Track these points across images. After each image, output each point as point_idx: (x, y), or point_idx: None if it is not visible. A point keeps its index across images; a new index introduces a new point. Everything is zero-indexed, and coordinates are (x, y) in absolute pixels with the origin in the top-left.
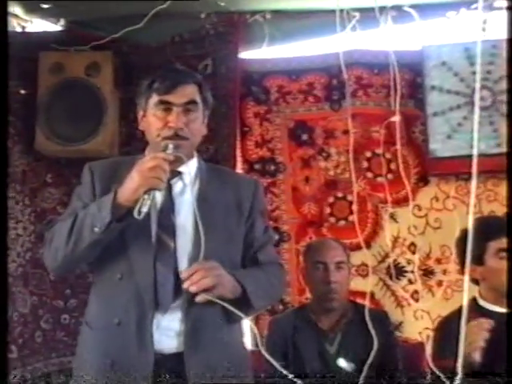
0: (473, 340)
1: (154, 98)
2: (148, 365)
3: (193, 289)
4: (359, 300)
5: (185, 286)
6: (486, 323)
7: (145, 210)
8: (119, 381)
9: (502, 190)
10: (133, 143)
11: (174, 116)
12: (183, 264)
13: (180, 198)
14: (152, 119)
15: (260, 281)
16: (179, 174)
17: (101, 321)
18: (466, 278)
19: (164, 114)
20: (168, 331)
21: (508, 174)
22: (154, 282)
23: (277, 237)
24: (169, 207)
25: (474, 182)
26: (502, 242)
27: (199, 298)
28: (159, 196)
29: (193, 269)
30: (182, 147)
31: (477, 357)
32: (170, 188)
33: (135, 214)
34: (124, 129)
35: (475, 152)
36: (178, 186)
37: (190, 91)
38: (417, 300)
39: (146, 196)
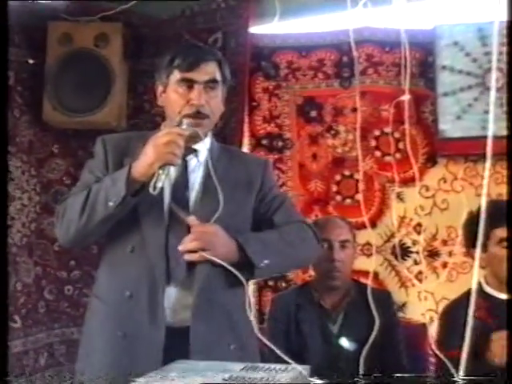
0: (498, 354)
1: (176, 75)
2: (159, 338)
3: (180, 248)
4: (363, 279)
5: (180, 247)
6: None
7: (160, 185)
8: (131, 353)
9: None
10: (141, 116)
11: (195, 93)
12: None
13: (194, 175)
14: (173, 96)
15: (267, 240)
16: (195, 151)
17: (112, 293)
18: (476, 263)
19: (186, 91)
20: (177, 304)
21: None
22: (165, 255)
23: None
24: (183, 183)
25: (488, 165)
26: (506, 231)
27: (186, 257)
28: (174, 172)
29: (192, 224)
30: (203, 125)
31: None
32: (185, 164)
33: (150, 189)
34: (132, 101)
35: (490, 133)
36: (192, 162)
37: (211, 69)
38: (421, 281)
39: (160, 171)
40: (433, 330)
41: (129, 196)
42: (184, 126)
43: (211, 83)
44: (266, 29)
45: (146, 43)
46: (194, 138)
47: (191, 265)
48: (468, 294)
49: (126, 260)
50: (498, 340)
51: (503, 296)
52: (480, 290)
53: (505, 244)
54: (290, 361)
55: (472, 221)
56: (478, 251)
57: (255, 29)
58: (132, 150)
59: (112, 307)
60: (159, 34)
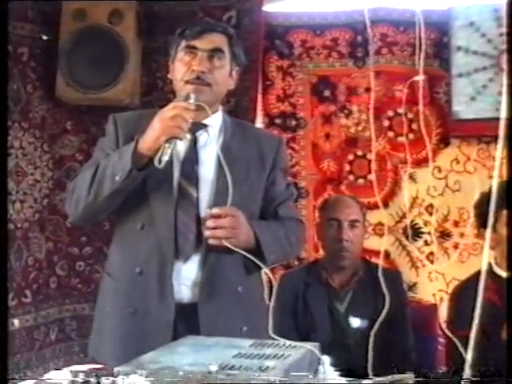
0: None
1: (182, 44)
2: (169, 314)
3: (208, 234)
4: (374, 259)
5: (206, 232)
6: None
7: (166, 158)
8: (141, 329)
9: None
10: (154, 93)
11: (197, 60)
12: (204, 214)
13: (204, 150)
14: (178, 65)
15: (277, 235)
16: (205, 126)
17: (122, 270)
18: (487, 244)
19: (189, 58)
20: (186, 281)
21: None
22: (174, 231)
23: (295, 192)
24: (193, 158)
25: (499, 146)
26: None
27: (212, 241)
28: (183, 147)
29: (219, 211)
30: (203, 92)
31: None
32: (195, 140)
33: (156, 162)
34: (145, 78)
35: (503, 115)
36: (203, 138)
37: (217, 39)
38: (432, 262)
39: (166, 145)
40: (443, 311)
41: (135, 170)
42: (191, 100)
43: (216, 52)
44: (281, 7)
45: (160, 20)
46: (203, 112)
47: (199, 241)
48: (478, 274)
49: (136, 237)
50: None
51: None
52: (490, 270)
53: None
54: (300, 344)
55: (483, 201)
56: (488, 232)
57: (269, 7)
58: (143, 127)
59: (123, 284)
60: (173, 11)
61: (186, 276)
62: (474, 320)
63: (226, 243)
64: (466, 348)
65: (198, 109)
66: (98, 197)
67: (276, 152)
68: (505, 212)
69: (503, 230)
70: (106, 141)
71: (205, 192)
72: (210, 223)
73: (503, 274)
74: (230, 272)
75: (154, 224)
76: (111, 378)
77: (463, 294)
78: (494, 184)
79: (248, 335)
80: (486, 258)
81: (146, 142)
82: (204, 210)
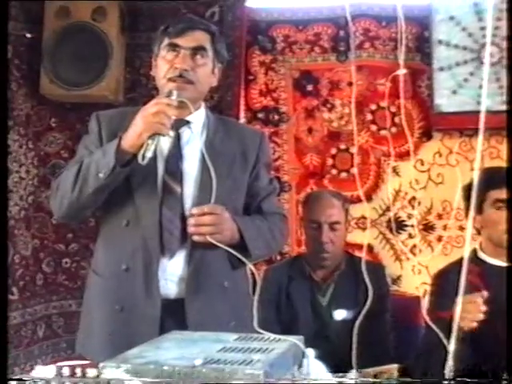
0: (467, 318)
1: (165, 42)
2: (155, 310)
3: (192, 230)
4: (357, 253)
5: (190, 228)
6: (479, 299)
7: (149, 154)
8: (128, 326)
9: (505, 147)
10: (138, 89)
11: (180, 58)
12: (189, 210)
13: (187, 147)
14: (160, 62)
15: (260, 229)
16: (188, 123)
17: (108, 267)
18: (470, 223)
19: (172, 56)
20: (172, 276)
21: (508, 129)
22: (159, 227)
23: (278, 187)
24: (176, 155)
25: (480, 139)
26: (501, 193)
27: (196, 238)
28: (167, 144)
29: (201, 210)
30: (186, 90)
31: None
32: (178, 136)
33: (139, 158)
34: (129, 75)
35: (483, 108)
36: (186, 134)
37: (199, 37)
38: (415, 254)
39: (149, 141)
40: (426, 303)
41: (118, 166)
42: (173, 97)
43: (198, 50)
44: (263, 2)
45: (143, 17)
46: (185, 109)
47: (185, 237)
48: (461, 260)
49: (121, 234)
50: (470, 302)
51: (496, 262)
52: (474, 255)
53: (499, 205)
54: (285, 337)
55: (471, 185)
56: (470, 220)
57: (252, 2)
58: (126, 125)
59: (109, 281)
60: (156, 8)
61: (172, 272)
62: (456, 301)
63: (210, 239)
64: (448, 332)
65: (180, 106)
66: (82, 194)
67: (259, 147)
68: (491, 193)
69: (489, 211)
70: (89, 138)
71: (189, 188)
72: (192, 221)
73: (487, 259)
74: (216, 267)
75: (139, 221)
76: (95, 372)
77: (445, 276)
78: (475, 174)
79: (236, 330)
80: (468, 237)
81: (129, 138)
82: (188, 208)
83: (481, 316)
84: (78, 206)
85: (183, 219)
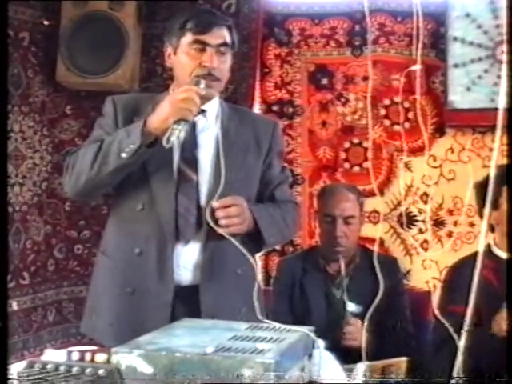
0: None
1: (189, 37)
2: (168, 295)
3: (223, 223)
4: (369, 246)
5: (221, 221)
6: None
7: (173, 139)
8: (139, 309)
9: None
10: (153, 79)
11: (208, 56)
12: (204, 197)
13: (202, 134)
14: (184, 58)
15: (274, 217)
16: (203, 111)
17: (121, 250)
18: (485, 218)
19: (198, 53)
20: (186, 263)
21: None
22: (175, 213)
23: (291, 178)
24: (192, 142)
25: (497, 136)
26: None
27: (225, 230)
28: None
29: (224, 202)
30: (213, 87)
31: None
32: (193, 124)
33: (164, 141)
34: (145, 64)
35: (501, 105)
36: (201, 122)
37: (223, 33)
38: (426, 249)
39: (175, 125)
40: (436, 297)
41: (143, 147)
42: (202, 86)
43: (223, 47)
44: None
45: (160, 7)
46: (206, 99)
47: (200, 224)
48: (476, 254)
49: (135, 218)
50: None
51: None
52: (488, 250)
53: None
54: (296, 327)
55: (484, 183)
56: (486, 216)
57: None
58: (141, 110)
59: (120, 263)
60: None
61: (187, 259)
62: (469, 295)
63: (234, 230)
64: (460, 327)
65: (207, 95)
66: (101, 172)
67: (272, 136)
68: (505, 188)
69: (504, 206)
70: (104, 121)
71: (204, 176)
72: (222, 213)
73: (502, 254)
74: (230, 255)
75: (155, 205)
76: (105, 357)
77: (459, 270)
78: (492, 172)
79: (247, 316)
80: (483, 233)
81: (155, 121)
82: (204, 195)
83: None
84: (94, 184)
85: (199, 207)
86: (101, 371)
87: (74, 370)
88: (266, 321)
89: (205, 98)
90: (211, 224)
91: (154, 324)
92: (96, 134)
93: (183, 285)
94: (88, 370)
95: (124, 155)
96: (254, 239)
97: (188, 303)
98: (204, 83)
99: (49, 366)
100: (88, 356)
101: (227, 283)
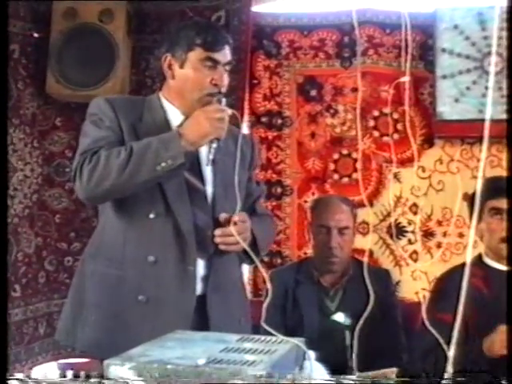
0: (496, 349)
1: (199, 53)
2: (189, 305)
3: (218, 241)
4: (361, 258)
5: (216, 239)
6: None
7: (211, 157)
8: (154, 318)
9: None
10: (143, 91)
11: (219, 74)
12: (216, 210)
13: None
14: (193, 73)
15: (263, 230)
16: None
17: (129, 258)
18: (472, 230)
19: (209, 70)
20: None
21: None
22: (194, 224)
23: (279, 190)
24: (195, 156)
25: (484, 147)
26: (498, 202)
27: (223, 247)
28: (211, 155)
29: (230, 218)
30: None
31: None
32: None
33: (205, 161)
34: (134, 76)
35: (488, 116)
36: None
37: (228, 51)
38: (415, 260)
39: (212, 144)
40: (425, 308)
41: (186, 163)
42: (223, 104)
43: (228, 65)
44: (269, 7)
45: (150, 20)
46: None
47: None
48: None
49: (147, 226)
50: (503, 331)
51: (501, 267)
52: (479, 259)
53: (496, 214)
54: (285, 338)
55: (473, 194)
56: (472, 228)
57: (258, 7)
58: (138, 113)
59: (129, 271)
60: (162, 11)
61: (197, 270)
62: (458, 303)
63: (238, 248)
64: (449, 337)
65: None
66: (132, 180)
67: (252, 150)
68: (488, 202)
69: (488, 220)
70: (103, 122)
71: (208, 187)
72: (219, 232)
73: (493, 263)
74: (232, 266)
75: (171, 215)
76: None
77: (449, 279)
78: (479, 183)
79: (244, 326)
80: (471, 241)
81: (193, 137)
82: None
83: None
84: (119, 190)
85: (213, 220)
86: None
87: None
88: (268, 328)
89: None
90: (221, 247)
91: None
92: (97, 136)
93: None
94: None
95: (159, 168)
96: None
97: (197, 313)
98: (225, 102)
99: None
100: (82, 374)
101: (229, 293)
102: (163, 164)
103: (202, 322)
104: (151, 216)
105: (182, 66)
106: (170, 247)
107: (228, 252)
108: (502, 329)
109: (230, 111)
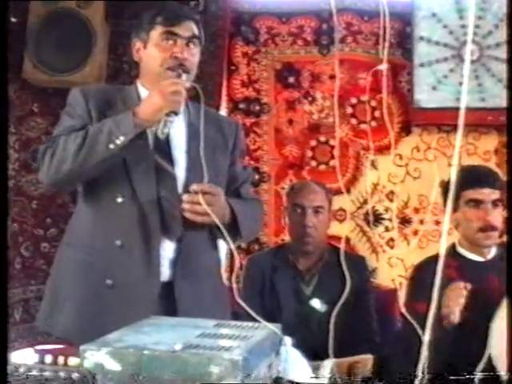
0: (449, 306)
1: (159, 30)
2: (154, 290)
3: (186, 207)
4: (337, 245)
5: (184, 205)
6: (463, 289)
7: (166, 131)
8: (121, 303)
9: (482, 143)
10: (120, 77)
11: (179, 47)
12: (182, 191)
13: (173, 129)
14: (154, 50)
15: (247, 212)
16: None
17: (98, 243)
18: (446, 219)
19: (169, 45)
20: (164, 259)
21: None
22: (158, 207)
23: (257, 177)
24: (165, 138)
25: (459, 135)
26: (474, 192)
27: (188, 215)
28: (166, 129)
29: (201, 187)
30: (187, 79)
31: (453, 319)
32: (165, 120)
33: (159, 134)
34: (112, 62)
35: (463, 105)
36: (170, 118)
37: (192, 26)
38: (392, 247)
39: (167, 117)
40: (402, 295)
41: (136, 139)
42: (184, 78)
43: (192, 39)
44: None
45: (127, 5)
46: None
47: (186, 222)
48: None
49: (115, 210)
50: (454, 289)
51: (475, 257)
52: (453, 250)
53: (472, 204)
54: (262, 321)
55: (448, 183)
56: (447, 217)
57: None
58: (112, 102)
59: (98, 256)
60: None
61: (164, 254)
62: (432, 293)
63: (204, 219)
64: (423, 325)
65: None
66: (87, 162)
67: (236, 136)
68: (465, 192)
69: (463, 209)
70: (76, 111)
71: (180, 170)
72: (187, 198)
73: (466, 253)
74: (202, 250)
75: (136, 198)
76: (78, 360)
77: (424, 269)
78: (453, 171)
79: (217, 312)
80: (445, 232)
81: (147, 112)
82: (181, 188)
83: (462, 302)
84: (77, 174)
85: (180, 201)
86: (74, 375)
87: (47, 374)
88: (244, 305)
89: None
90: (188, 215)
91: (139, 318)
92: (67, 124)
93: (162, 281)
94: (61, 374)
95: (112, 146)
96: (229, 231)
97: (165, 300)
98: (185, 76)
99: (21, 370)
100: (61, 359)
101: (200, 279)
102: (117, 141)
103: (170, 308)
104: (119, 200)
105: (145, 47)
106: (135, 231)
107: (197, 229)
108: (452, 286)
109: (187, 84)
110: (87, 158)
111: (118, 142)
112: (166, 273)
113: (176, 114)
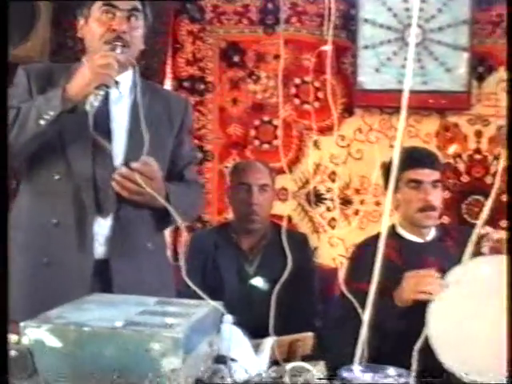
0: (408, 290)
1: (98, 3)
2: (87, 268)
3: (118, 183)
4: (279, 223)
5: (116, 177)
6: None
7: (96, 104)
8: (56, 281)
9: (423, 126)
10: (64, 52)
11: (117, 20)
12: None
13: (115, 106)
14: (94, 24)
15: (184, 196)
16: (116, 82)
17: (36, 221)
18: (388, 199)
19: (107, 18)
20: (99, 236)
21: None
22: (93, 184)
23: (201, 155)
24: (105, 113)
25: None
26: (415, 173)
27: (117, 188)
28: (95, 102)
29: (139, 167)
30: (123, 53)
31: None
32: (106, 95)
33: (87, 106)
34: (55, 37)
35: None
36: (114, 94)
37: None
38: (333, 227)
39: (97, 91)
40: (342, 274)
41: (64, 113)
42: (118, 51)
43: (133, 11)
44: None
45: None
46: (124, 66)
47: (121, 199)
48: (380, 234)
49: (52, 188)
50: (411, 277)
51: (414, 238)
52: (393, 231)
53: (412, 185)
54: (205, 297)
55: (390, 163)
56: (388, 197)
57: None
58: (56, 80)
59: (35, 235)
60: None
61: (99, 232)
62: (372, 272)
63: (128, 195)
64: (363, 304)
65: (124, 61)
66: (19, 140)
67: (184, 113)
68: (406, 172)
69: (404, 190)
70: (17, 91)
71: (119, 148)
72: (120, 171)
73: (405, 234)
74: (141, 228)
75: (72, 176)
76: (16, 338)
77: (363, 249)
78: (395, 153)
79: (158, 292)
80: (387, 212)
81: (75, 87)
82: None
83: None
84: (11, 152)
85: None
86: (12, 352)
87: None
88: (189, 282)
89: (122, 65)
90: (117, 188)
91: (73, 297)
92: (10, 104)
93: (96, 258)
94: None
95: (42, 122)
96: (163, 214)
97: (101, 277)
98: (120, 49)
99: None
100: None
101: (137, 258)
102: (46, 117)
103: (107, 286)
104: (56, 177)
105: (87, 22)
106: (70, 208)
107: (135, 207)
108: (409, 275)
109: (121, 57)
110: (19, 136)
111: (47, 117)
112: (100, 250)
113: (107, 87)
